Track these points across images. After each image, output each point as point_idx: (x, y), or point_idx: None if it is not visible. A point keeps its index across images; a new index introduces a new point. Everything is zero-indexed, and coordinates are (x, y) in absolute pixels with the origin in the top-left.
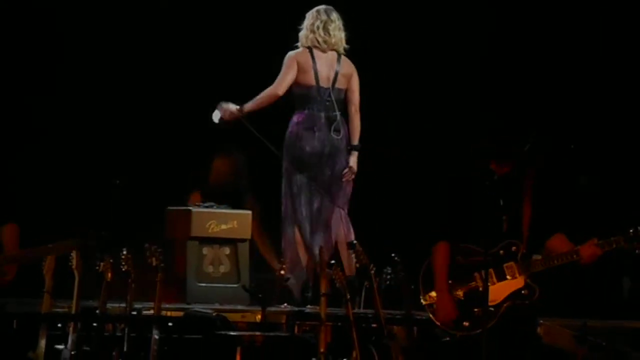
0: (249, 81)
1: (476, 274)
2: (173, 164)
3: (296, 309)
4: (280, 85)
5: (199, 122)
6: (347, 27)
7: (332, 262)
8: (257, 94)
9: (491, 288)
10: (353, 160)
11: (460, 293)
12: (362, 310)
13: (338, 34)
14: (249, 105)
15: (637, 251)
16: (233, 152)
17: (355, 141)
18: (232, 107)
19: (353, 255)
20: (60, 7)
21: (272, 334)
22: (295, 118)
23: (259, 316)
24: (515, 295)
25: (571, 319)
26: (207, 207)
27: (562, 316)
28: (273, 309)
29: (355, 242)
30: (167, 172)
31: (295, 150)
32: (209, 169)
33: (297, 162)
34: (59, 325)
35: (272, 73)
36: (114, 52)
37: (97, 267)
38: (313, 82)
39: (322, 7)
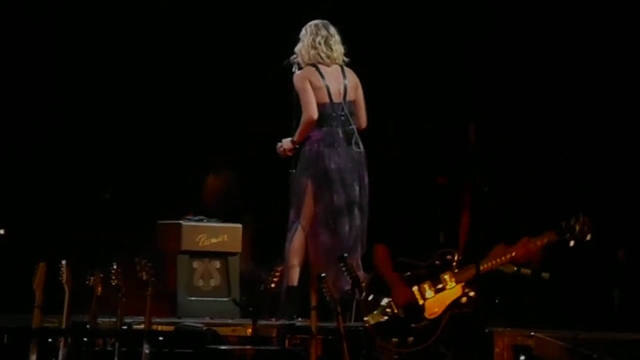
0: (241, 95)
1: (414, 289)
2: (163, 177)
3: (287, 322)
4: (312, 109)
5: (189, 135)
6: (350, 31)
7: (323, 275)
8: (250, 106)
9: (430, 300)
10: (287, 142)
11: (400, 310)
12: (353, 324)
13: (339, 47)
14: (297, 137)
15: (570, 243)
16: (224, 170)
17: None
18: (288, 141)
19: (344, 269)
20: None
21: (262, 347)
22: (313, 136)
23: (250, 330)
24: (455, 304)
25: (562, 331)
26: (197, 220)
27: (553, 328)
28: (264, 322)
29: (345, 255)
30: (158, 185)
31: (319, 168)
32: (200, 189)
33: (322, 180)
34: (50, 340)
35: (269, 87)
36: (106, 66)
37: (87, 282)
38: (327, 99)
39: (318, 22)
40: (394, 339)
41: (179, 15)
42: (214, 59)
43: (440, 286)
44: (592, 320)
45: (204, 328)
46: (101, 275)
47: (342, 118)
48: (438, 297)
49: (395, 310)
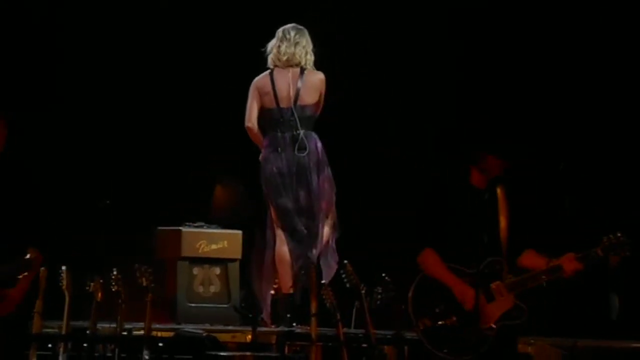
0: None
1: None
2: (163, 184)
3: (286, 329)
4: (249, 118)
5: (190, 140)
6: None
7: (323, 282)
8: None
9: (484, 310)
10: None
11: (454, 318)
12: (352, 330)
13: (300, 50)
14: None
15: (612, 261)
16: (232, 182)
17: None
18: None
19: (343, 275)
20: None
21: (262, 354)
22: (264, 142)
23: (250, 336)
24: (506, 315)
25: (560, 338)
26: (197, 227)
27: (551, 335)
28: (263, 329)
29: (345, 262)
30: (158, 192)
31: (265, 174)
32: (209, 201)
33: (268, 185)
34: (50, 345)
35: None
36: (104, 71)
37: (87, 288)
38: (274, 105)
39: (288, 26)
40: (445, 347)
41: (181, 21)
42: (213, 64)
43: (491, 296)
44: (591, 328)
45: (204, 334)
46: (101, 281)
47: (291, 122)
48: (490, 307)
49: (451, 318)
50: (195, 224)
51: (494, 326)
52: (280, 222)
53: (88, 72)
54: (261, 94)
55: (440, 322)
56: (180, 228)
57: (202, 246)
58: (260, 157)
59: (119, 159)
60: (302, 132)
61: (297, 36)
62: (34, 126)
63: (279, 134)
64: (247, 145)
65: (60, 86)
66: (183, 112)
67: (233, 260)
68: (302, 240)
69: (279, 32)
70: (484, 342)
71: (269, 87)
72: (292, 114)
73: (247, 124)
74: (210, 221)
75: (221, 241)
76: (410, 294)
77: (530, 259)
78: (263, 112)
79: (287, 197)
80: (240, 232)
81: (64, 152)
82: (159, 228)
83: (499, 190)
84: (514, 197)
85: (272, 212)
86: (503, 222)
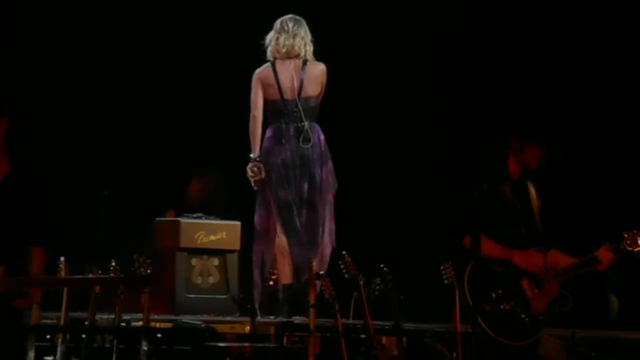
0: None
1: (522, 282)
2: (161, 175)
3: (285, 319)
4: (255, 107)
5: (185, 133)
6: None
7: (322, 272)
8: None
9: (534, 297)
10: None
11: (512, 303)
12: (351, 321)
13: (299, 42)
14: (255, 148)
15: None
16: (208, 171)
17: None
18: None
19: (342, 266)
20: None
21: (261, 345)
22: (267, 133)
23: (248, 327)
24: (553, 303)
25: (561, 329)
26: (195, 218)
27: (551, 326)
28: (262, 319)
29: (344, 252)
30: (156, 183)
31: (267, 165)
32: (185, 188)
33: (271, 176)
34: (48, 336)
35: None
36: (100, 65)
37: None
38: (278, 96)
39: (286, 17)
40: (505, 332)
41: (177, 19)
42: (205, 62)
43: (539, 284)
44: (590, 319)
45: (202, 325)
46: (100, 272)
47: (295, 114)
48: (539, 294)
49: (509, 302)
50: (194, 215)
51: (542, 313)
52: (280, 214)
53: (84, 69)
54: (264, 85)
55: (499, 307)
56: (178, 219)
57: (200, 237)
58: (262, 148)
59: (119, 150)
60: (306, 123)
61: (295, 27)
62: (33, 119)
63: (283, 126)
64: (226, 136)
65: (62, 82)
66: (185, 104)
67: (232, 251)
68: (300, 234)
69: (277, 23)
70: (538, 328)
71: (272, 79)
72: (296, 106)
73: (254, 112)
74: (207, 212)
75: (220, 232)
76: (465, 280)
77: (555, 257)
78: (267, 104)
79: (289, 189)
80: (239, 223)
81: (62, 143)
82: (158, 219)
83: (530, 185)
84: (544, 193)
85: (272, 204)
86: (537, 215)
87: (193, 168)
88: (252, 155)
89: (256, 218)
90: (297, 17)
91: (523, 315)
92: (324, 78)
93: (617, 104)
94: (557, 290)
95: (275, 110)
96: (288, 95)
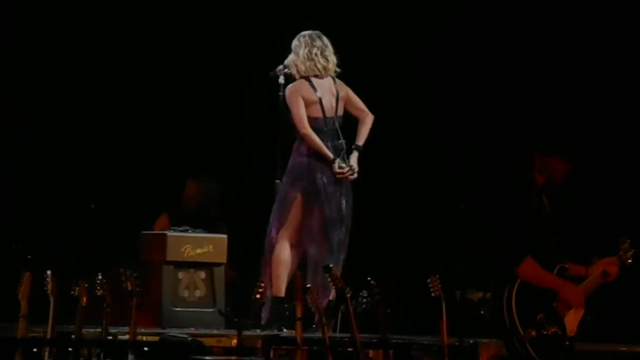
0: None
1: (558, 305)
2: (148, 187)
3: (272, 333)
4: (304, 125)
5: (175, 146)
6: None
7: (308, 286)
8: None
9: (568, 317)
10: (354, 160)
11: (555, 328)
12: (338, 334)
13: (333, 58)
14: (327, 152)
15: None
16: (205, 178)
17: (360, 142)
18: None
19: (329, 279)
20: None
21: (248, 358)
22: (303, 149)
23: (235, 341)
24: (582, 322)
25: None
26: (182, 231)
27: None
28: (249, 333)
29: (331, 265)
30: (143, 196)
31: (310, 182)
32: (180, 194)
33: (313, 193)
34: (35, 350)
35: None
36: (90, 75)
37: (72, 292)
38: (320, 114)
39: (311, 32)
40: (550, 357)
41: (176, 23)
42: (200, 71)
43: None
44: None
45: (189, 339)
46: (86, 285)
47: (332, 132)
48: (571, 313)
49: (552, 327)
50: (180, 228)
51: (575, 332)
52: (315, 230)
53: (83, 72)
54: (306, 103)
55: (545, 332)
56: (165, 232)
57: (187, 250)
58: (299, 164)
59: (106, 163)
60: (343, 141)
61: (327, 42)
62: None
63: (324, 143)
64: (222, 142)
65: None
66: (174, 114)
67: (218, 264)
68: (334, 249)
69: (306, 39)
70: (574, 348)
71: (313, 96)
72: (334, 124)
73: (304, 130)
74: (194, 225)
75: (206, 245)
76: (513, 304)
77: (575, 271)
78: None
79: (331, 207)
80: (225, 236)
81: (48, 155)
82: (144, 232)
83: (545, 198)
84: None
85: (304, 220)
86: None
87: (191, 173)
88: (331, 158)
89: (273, 231)
90: (319, 32)
91: (564, 339)
92: (350, 92)
93: (618, 104)
94: (584, 306)
95: (316, 127)
96: (329, 113)
